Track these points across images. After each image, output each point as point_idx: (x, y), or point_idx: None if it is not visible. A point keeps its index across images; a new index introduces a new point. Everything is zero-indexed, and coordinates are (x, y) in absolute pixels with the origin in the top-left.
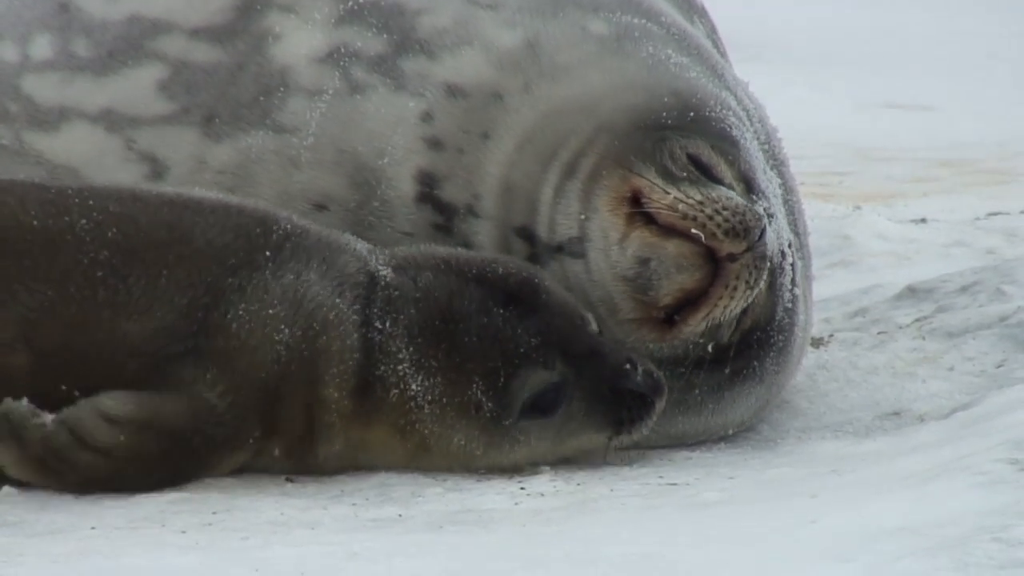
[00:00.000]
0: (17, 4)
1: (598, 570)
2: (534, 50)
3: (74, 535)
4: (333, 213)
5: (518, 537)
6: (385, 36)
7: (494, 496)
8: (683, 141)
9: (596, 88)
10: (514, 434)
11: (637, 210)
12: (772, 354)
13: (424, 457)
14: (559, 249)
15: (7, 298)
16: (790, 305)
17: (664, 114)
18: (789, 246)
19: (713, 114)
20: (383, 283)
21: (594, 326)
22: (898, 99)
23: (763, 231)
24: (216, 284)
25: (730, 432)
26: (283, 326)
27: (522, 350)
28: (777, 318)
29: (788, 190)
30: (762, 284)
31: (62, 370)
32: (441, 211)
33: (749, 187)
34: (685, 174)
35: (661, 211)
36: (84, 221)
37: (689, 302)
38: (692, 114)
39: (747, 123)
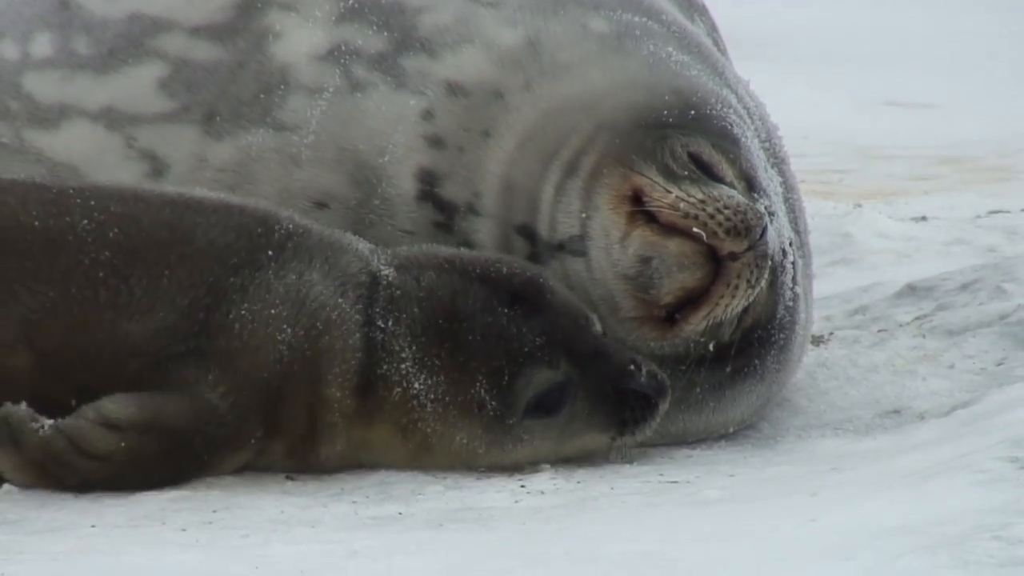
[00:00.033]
0: (18, 2)
1: (598, 568)
2: (535, 48)
3: (74, 533)
4: (334, 211)
5: (518, 535)
6: (386, 34)
7: (494, 494)
8: (684, 139)
9: (597, 86)
10: (517, 433)
11: (638, 209)
12: (773, 352)
13: (426, 456)
14: (560, 247)
15: (8, 299)
16: (791, 303)
17: (665, 112)
18: (790, 244)
19: (714, 112)
20: (385, 282)
21: (598, 327)
22: (898, 97)
23: (764, 230)
24: (218, 284)
25: (731, 430)
26: (285, 326)
27: (527, 349)
28: (778, 316)
29: (789, 188)
30: (763, 283)
31: (63, 371)
32: (442, 209)
33: (750, 185)
34: (686, 172)
35: (662, 210)
36: (85, 221)
37: (690, 301)
38: (693, 112)
39: (748, 121)
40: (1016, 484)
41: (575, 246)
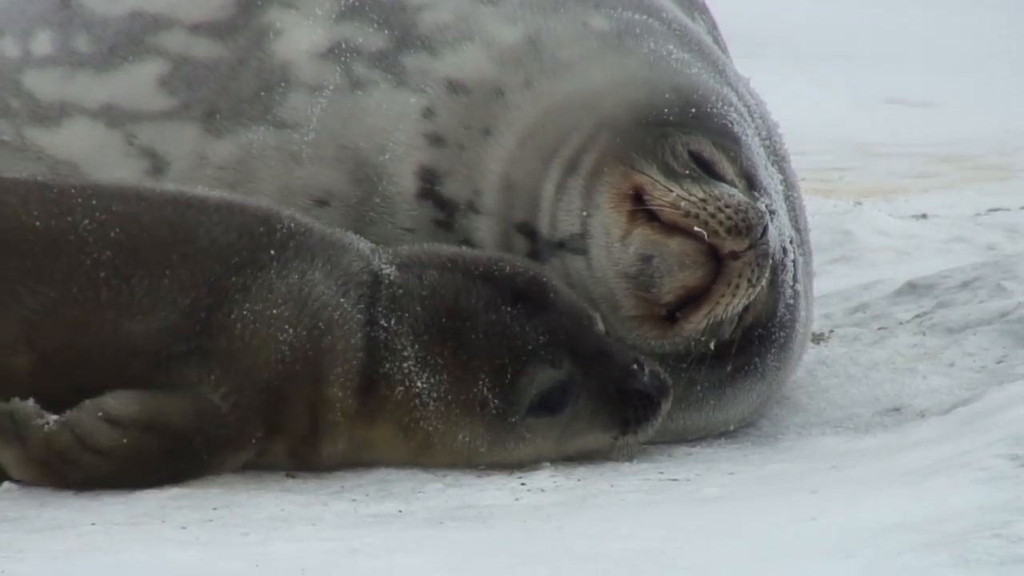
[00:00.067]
0: (19, 0)
1: (598, 566)
2: (535, 46)
3: (74, 531)
4: (334, 209)
5: (518, 533)
6: (386, 32)
7: (494, 492)
8: (685, 138)
9: (597, 84)
10: (519, 432)
11: (639, 207)
12: (773, 350)
13: (428, 454)
14: (561, 245)
15: (9, 299)
16: (791, 301)
17: (666, 110)
18: (791, 242)
19: (715, 110)
20: (387, 281)
21: (601, 326)
22: (899, 95)
23: (765, 228)
24: (220, 283)
25: (731, 428)
26: (287, 326)
27: (530, 347)
28: (779, 314)
29: (789, 186)
30: (764, 282)
31: (64, 371)
32: (442, 207)
33: (751, 184)
34: (687, 171)
35: (663, 208)
36: (87, 221)
37: (691, 299)
38: (694, 110)
39: (748, 119)
40: (1016, 482)
41: (576, 244)
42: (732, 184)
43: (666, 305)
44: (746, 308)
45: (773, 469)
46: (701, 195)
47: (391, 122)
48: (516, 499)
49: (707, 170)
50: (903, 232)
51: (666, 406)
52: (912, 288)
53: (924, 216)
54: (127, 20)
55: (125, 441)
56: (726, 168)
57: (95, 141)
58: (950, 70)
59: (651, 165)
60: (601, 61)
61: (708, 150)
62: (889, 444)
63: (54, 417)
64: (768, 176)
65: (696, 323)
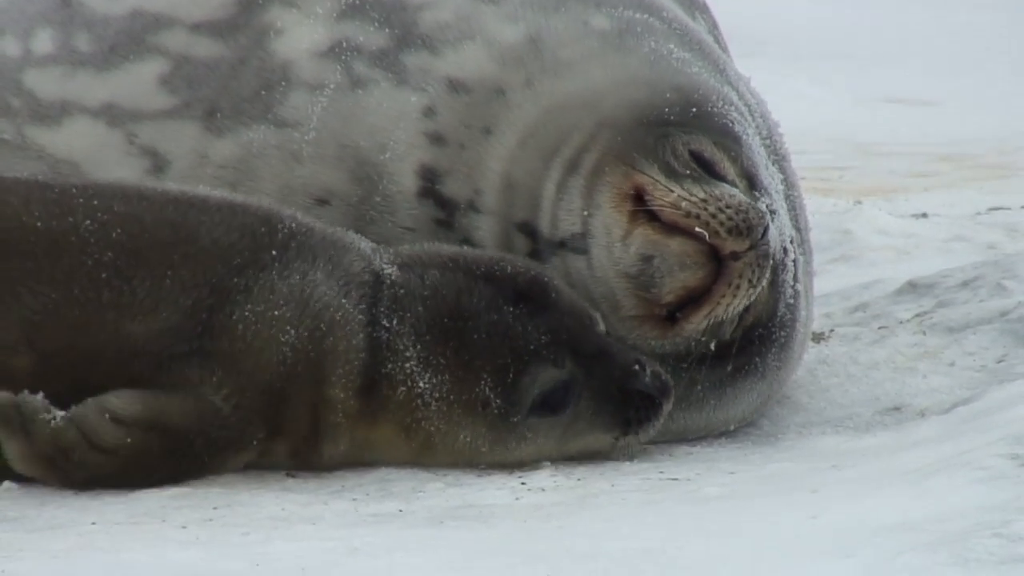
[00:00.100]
0: None
1: (599, 565)
2: (536, 45)
3: (74, 530)
4: (335, 208)
5: (519, 532)
6: (387, 30)
7: (495, 491)
8: (685, 137)
9: (598, 84)
10: (521, 432)
11: (640, 207)
12: (774, 350)
13: (429, 454)
14: (561, 245)
15: (10, 300)
16: (792, 301)
17: (666, 110)
18: (791, 242)
19: (715, 110)
20: (389, 281)
21: (602, 326)
22: (899, 94)
23: (766, 229)
24: (221, 284)
25: (732, 427)
26: (289, 327)
27: (532, 347)
28: (779, 314)
29: (789, 185)
30: (764, 282)
31: (65, 371)
32: (442, 206)
33: (752, 184)
34: (688, 171)
35: (664, 209)
36: (88, 222)
37: (691, 300)
38: (694, 110)
39: (749, 118)
40: (1017, 481)
41: (576, 244)
42: (733, 184)
43: (666, 305)
44: (747, 308)
45: (773, 468)
46: (702, 195)
47: (392, 121)
48: (517, 498)
49: (708, 170)
50: (903, 231)
51: (667, 407)
52: (912, 287)
53: (924, 215)
54: (128, 19)
55: (129, 441)
56: (727, 168)
57: (96, 140)
58: (950, 69)
59: (652, 165)
60: (602, 60)
61: (709, 150)
62: (889, 443)
63: (61, 413)
64: (769, 176)
65: (696, 323)
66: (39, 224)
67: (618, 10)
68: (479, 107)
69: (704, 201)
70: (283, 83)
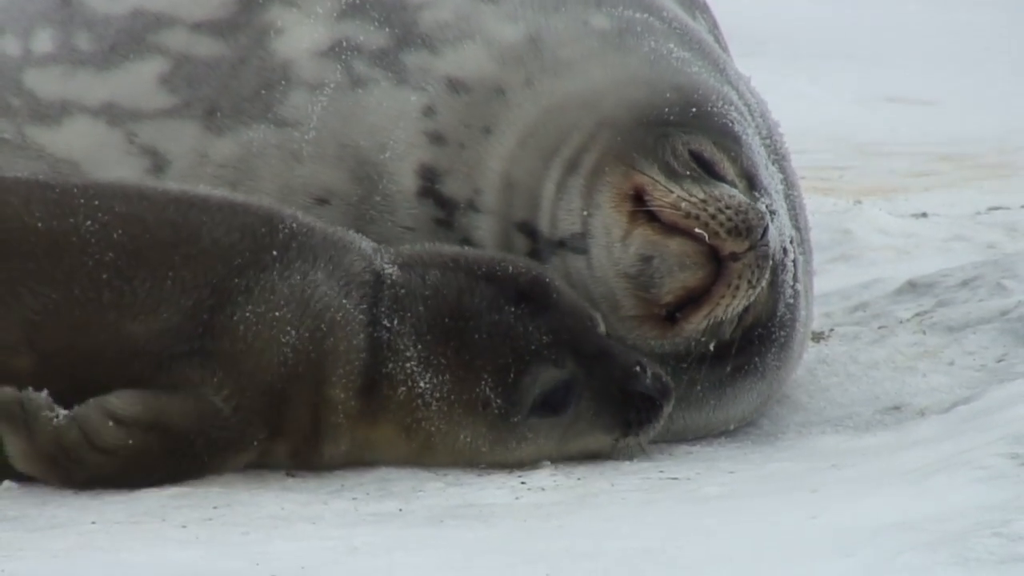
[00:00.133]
0: None
1: (598, 565)
2: (536, 45)
3: (74, 530)
4: (334, 207)
5: (519, 531)
6: (387, 30)
7: (494, 491)
8: (685, 137)
9: (598, 83)
10: (522, 432)
11: (640, 208)
12: (773, 350)
13: (429, 454)
14: (561, 245)
15: (11, 300)
16: (791, 301)
17: (666, 110)
18: (791, 242)
19: (715, 109)
20: (389, 281)
21: (603, 327)
22: (899, 93)
23: (766, 230)
24: (222, 285)
25: (731, 427)
26: (290, 328)
27: (533, 347)
28: (779, 314)
29: (789, 185)
30: (764, 283)
31: (66, 372)
32: (442, 206)
33: (751, 184)
34: (687, 171)
35: (664, 209)
36: (89, 222)
37: (691, 300)
38: (694, 110)
39: (749, 118)
40: (1016, 481)
41: (576, 244)
42: (733, 184)
43: (666, 305)
44: (746, 308)
45: (773, 468)
46: (702, 196)
47: (392, 120)
48: (516, 498)
49: (708, 170)
50: (903, 231)
51: (668, 408)
52: (912, 287)
53: (924, 215)
54: (128, 18)
55: (130, 441)
56: (727, 168)
57: (96, 139)
58: (950, 69)
59: (652, 165)
60: (602, 60)
61: (709, 150)
62: (889, 443)
63: (63, 412)
64: (768, 176)
65: (696, 324)
66: (40, 224)
67: (618, 10)
68: (479, 107)
69: (704, 202)
70: (283, 82)
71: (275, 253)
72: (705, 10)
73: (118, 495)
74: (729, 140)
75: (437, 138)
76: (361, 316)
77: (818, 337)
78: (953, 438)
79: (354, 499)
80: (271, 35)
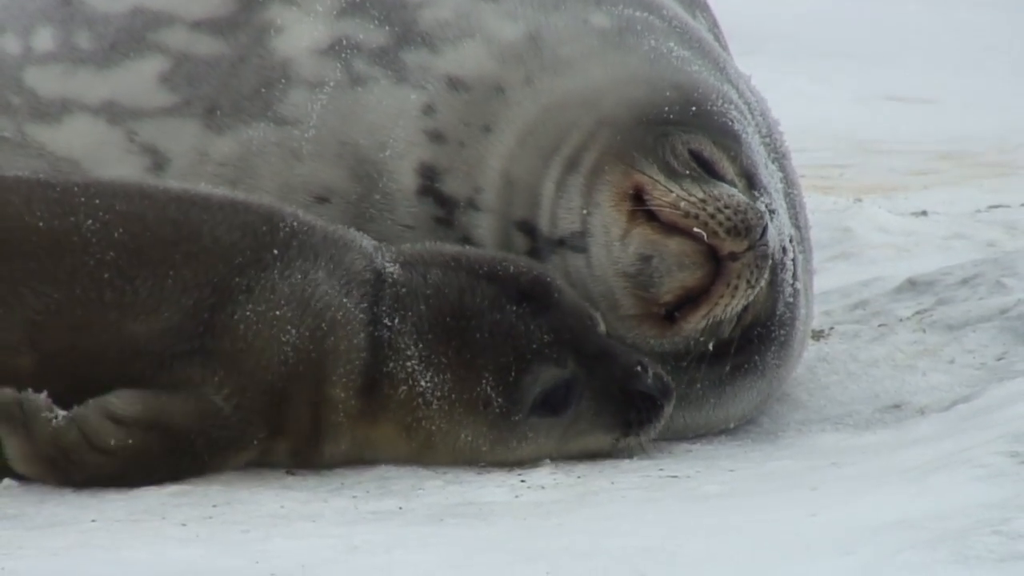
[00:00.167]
0: None
1: (598, 563)
2: (536, 43)
3: (74, 528)
4: (334, 206)
5: (518, 530)
6: (387, 28)
7: (494, 489)
8: (685, 136)
9: (598, 82)
10: (522, 431)
11: (639, 207)
12: (773, 348)
13: (430, 453)
14: (560, 243)
15: (13, 300)
16: (791, 299)
17: (666, 108)
18: (790, 241)
19: (715, 108)
20: (391, 280)
21: (603, 327)
22: (899, 92)
23: (765, 229)
24: (223, 284)
25: (731, 425)
26: (290, 327)
27: (534, 346)
28: (778, 313)
29: (789, 183)
30: (763, 283)
31: (67, 371)
32: (442, 204)
33: (751, 183)
34: (687, 171)
35: (663, 209)
36: (90, 221)
37: (690, 300)
38: (694, 108)
39: (749, 117)
40: (1016, 479)
41: (575, 242)
42: (732, 183)
43: (665, 305)
44: (745, 308)
45: (773, 466)
46: (701, 195)
47: (391, 119)
48: (516, 496)
49: (707, 169)
50: (903, 229)
51: (669, 408)
52: (912, 285)
53: (924, 213)
54: (128, 17)
55: (130, 441)
56: (726, 167)
57: (96, 138)
58: (950, 67)
59: (651, 164)
60: (602, 58)
61: (708, 149)
62: (889, 441)
63: (62, 412)
64: (768, 175)
65: (695, 323)
66: (41, 224)
67: (618, 8)
68: (479, 105)
69: (703, 201)
70: (283, 81)
71: (276, 252)
72: (705, 8)
73: (118, 493)
74: (729, 139)
75: (437, 136)
76: (362, 315)
77: (818, 335)
78: (953, 436)
79: (354, 497)
80: (271, 33)
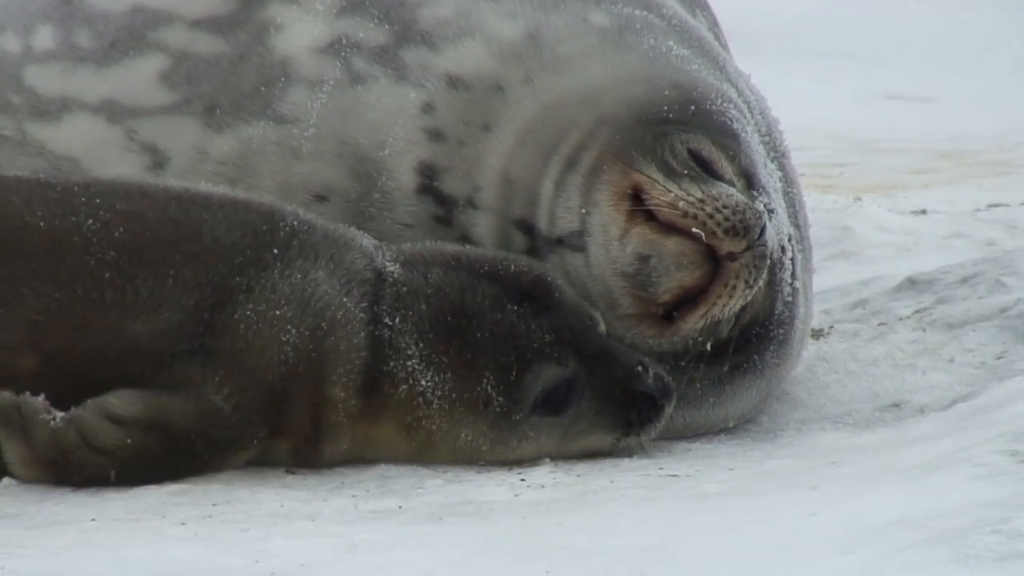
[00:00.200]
0: None
1: (598, 562)
2: (535, 41)
3: (74, 527)
4: (334, 204)
5: (518, 529)
6: (386, 27)
7: (494, 488)
8: (684, 136)
9: (597, 80)
10: (523, 430)
11: (638, 207)
12: (772, 348)
13: (430, 452)
14: (559, 242)
15: (14, 301)
16: (789, 299)
17: (665, 107)
18: (789, 240)
19: (714, 107)
20: (391, 279)
21: (603, 327)
22: (899, 90)
23: (763, 229)
24: (223, 283)
25: (731, 424)
26: (290, 327)
27: (536, 345)
28: (777, 312)
29: (789, 182)
30: (761, 282)
31: (68, 371)
32: (441, 203)
33: (750, 182)
34: (686, 170)
35: (662, 208)
36: (91, 221)
37: (688, 299)
38: (693, 107)
39: (748, 116)
40: (1016, 478)
41: (574, 241)
42: (730, 183)
43: (663, 304)
44: (743, 307)
45: (773, 465)
46: (699, 195)
47: (391, 117)
48: (516, 495)
49: (706, 169)
50: (903, 228)
51: (669, 409)
52: (912, 284)
53: (924, 212)
54: (128, 15)
55: (129, 441)
56: (725, 167)
57: (96, 136)
58: (950, 66)
59: (650, 164)
60: (601, 57)
61: (707, 149)
62: (889, 440)
63: (60, 414)
64: (767, 174)
65: (693, 323)
66: (42, 224)
67: (617, 7)
68: (478, 104)
69: (701, 201)
70: (283, 79)
71: (276, 251)
72: (705, 8)
73: (117, 492)
74: (728, 138)
75: (436, 135)
76: (362, 314)
77: (818, 334)
78: (953, 435)
79: (354, 496)
80: (271, 32)
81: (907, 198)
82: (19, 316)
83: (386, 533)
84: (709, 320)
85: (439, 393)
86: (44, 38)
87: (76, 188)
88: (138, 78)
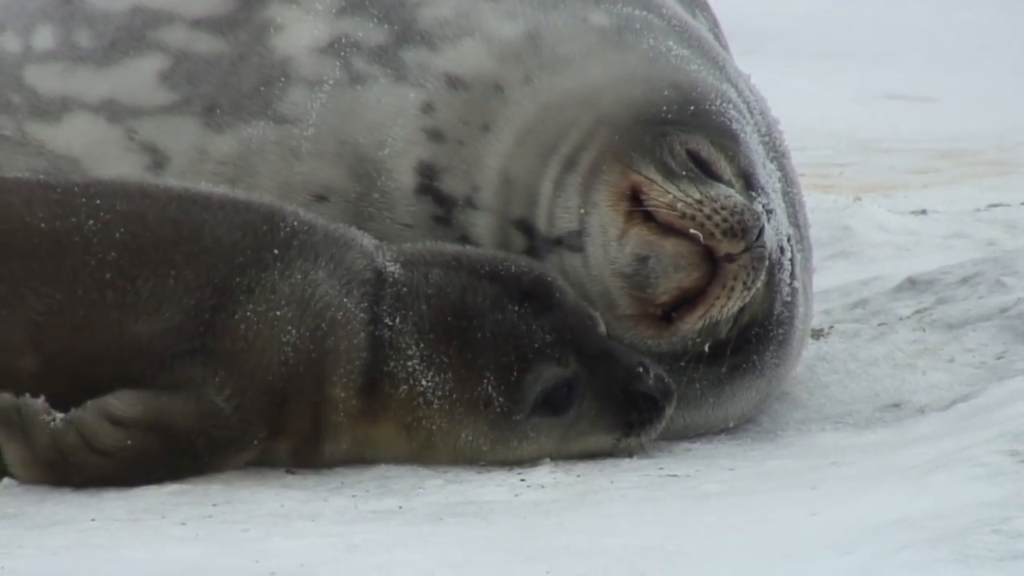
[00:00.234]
0: None
1: (598, 562)
2: (535, 41)
3: (74, 527)
4: (333, 204)
5: (518, 529)
6: (386, 27)
7: (494, 488)
8: (683, 136)
9: (597, 80)
10: (523, 430)
11: (636, 207)
12: (771, 348)
13: (430, 453)
14: (558, 242)
15: (15, 301)
16: (789, 299)
17: (664, 108)
18: (788, 240)
19: (714, 108)
20: (391, 279)
21: (603, 327)
22: (899, 90)
23: (761, 231)
24: (224, 284)
25: (731, 425)
26: (291, 327)
27: (536, 346)
28: (776, 312)
29: (789, 182)
30: (759, 284)
31: (69, 372)
32: (441, 203)
33: (748, 183)
34: (685, 171)
35: (660, 209)
36: (91, 222)
37: (686, 300)
38: (693, 108)
39: (748, 116)
40: (1016, 478)
41: (573, 242)
42: (729, 184)
43: (661, 305)
44: (742, 308)
45: (773, 465)
46: (698, 196)
47: (390, 117)
48: (516, 495)
49: (704, 169)
50: (903, 228)
51: (670, 410)
52: (912, 284)
53: (924, 212)
54: (128, 15)
55: (129, 442)
56: (723, 167)
57: (96, 136)
58: (950, 66)
59: (649, 165)
60: (601, 57)
61: (706, 149)
62: (889, 440)
63: (60, 415)
64: (766, 174)
65: (691, 324)
66: (42, 224)
67: (617, 7)
68: (477, 103)
69: (700, 202)
70: (282, 79)
71: (276, 252)
72: (705, 8)
73: (117, 493)
74: (727, 139)
75: (436, 135)
76: (362, 314)
77: (818, 334)
78: (953, 435)
79: (354, 496)
80: (270, 32)
81: (907, 198)
82: (20, 317)
83: (386, 533)
84: (707, 321)
85: (439, 393)
86: (44, 38)
87: (76, 189)
88: (138, 78)
